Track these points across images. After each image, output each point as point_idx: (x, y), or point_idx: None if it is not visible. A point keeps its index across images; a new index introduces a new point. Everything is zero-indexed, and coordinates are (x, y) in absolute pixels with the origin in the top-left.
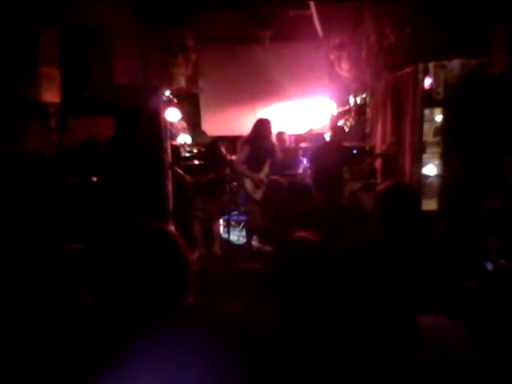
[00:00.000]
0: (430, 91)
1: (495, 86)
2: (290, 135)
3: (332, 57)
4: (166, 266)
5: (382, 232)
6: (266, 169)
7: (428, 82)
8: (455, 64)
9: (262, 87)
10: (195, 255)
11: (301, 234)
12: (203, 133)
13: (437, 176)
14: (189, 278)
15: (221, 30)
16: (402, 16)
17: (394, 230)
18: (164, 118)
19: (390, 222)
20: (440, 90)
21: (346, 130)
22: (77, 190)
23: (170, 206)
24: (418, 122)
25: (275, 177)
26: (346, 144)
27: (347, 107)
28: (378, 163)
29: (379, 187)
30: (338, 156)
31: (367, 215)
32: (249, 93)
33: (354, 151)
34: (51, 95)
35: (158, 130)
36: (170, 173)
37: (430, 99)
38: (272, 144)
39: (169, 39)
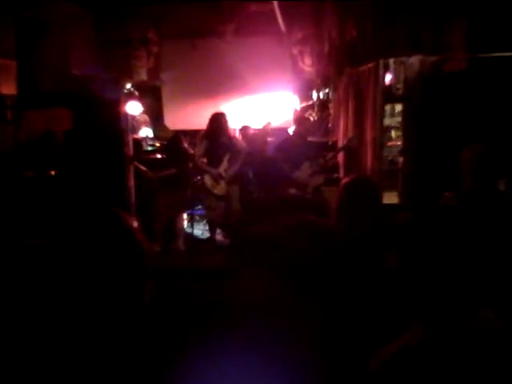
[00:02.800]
0: (390, 87)
1: (453, 81)
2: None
3: (295, 51)
4: (121, 252)
5: (345, 224)
6: (225, 163)
7: (388, 77)
8: (414, 60)
9: (224, 81)
10: (157, 249)
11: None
12: (165, 126)
13: (397, 170)
14: (147, 262)
15: (183, 23)
16: (363, 11)
17: (355, 223)
18: (125, 111)
19: (352, 215)
20: (400, 85)
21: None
22: (34, 185)
23: (132, 200)
24: (379, 117)
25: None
26: (310, 138)
27: (310, 102)
28: (341, 158)
29: (343, 181)
30: (301, 150)
31: (314, 206)
32: (211, 87)
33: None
34: (8, 87)
35: (117, 122)
36: (131, 167)
37: (390, 95)
38: (230, 138)
39: (130, 32)
